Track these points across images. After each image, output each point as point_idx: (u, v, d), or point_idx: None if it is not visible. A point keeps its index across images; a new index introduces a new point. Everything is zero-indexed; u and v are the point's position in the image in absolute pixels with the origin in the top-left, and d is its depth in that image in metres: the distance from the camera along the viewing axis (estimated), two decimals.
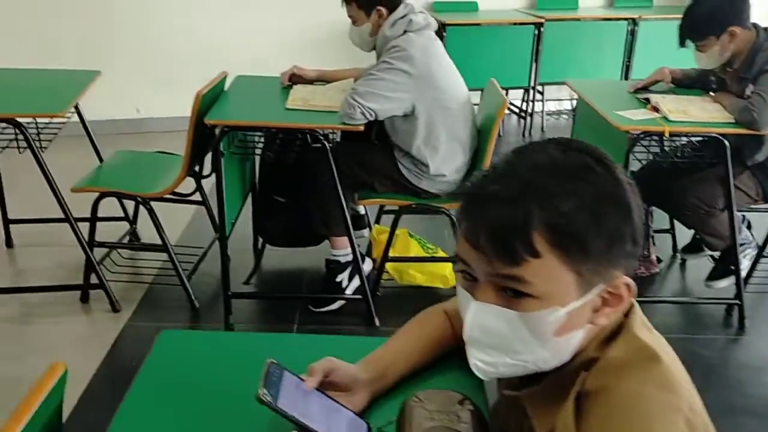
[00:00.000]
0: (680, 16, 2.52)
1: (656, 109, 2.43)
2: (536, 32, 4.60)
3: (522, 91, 5.11)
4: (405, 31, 2.36)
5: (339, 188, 2.44)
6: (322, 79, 2.72)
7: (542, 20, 4.59)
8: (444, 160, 2.44)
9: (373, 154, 2.53)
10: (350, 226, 2.47)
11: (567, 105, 5.47)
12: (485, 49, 4.55)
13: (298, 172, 2.67)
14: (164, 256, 2.65)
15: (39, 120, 2.40)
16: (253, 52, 4.67)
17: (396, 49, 2.30)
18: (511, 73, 4.64)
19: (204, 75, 2.44)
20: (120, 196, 2.55)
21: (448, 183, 2.49)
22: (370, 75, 2.31)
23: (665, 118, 2.36)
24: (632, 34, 4.79)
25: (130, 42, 4.55)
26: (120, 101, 4.59)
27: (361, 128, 2.30)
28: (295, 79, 2.70)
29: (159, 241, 2.57)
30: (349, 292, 2.66)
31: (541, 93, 5.02)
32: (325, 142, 2.29)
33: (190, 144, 2.41)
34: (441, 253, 2.80)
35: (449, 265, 2.74)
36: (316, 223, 2.62)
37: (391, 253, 2.75)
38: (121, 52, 4.53)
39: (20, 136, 2.29)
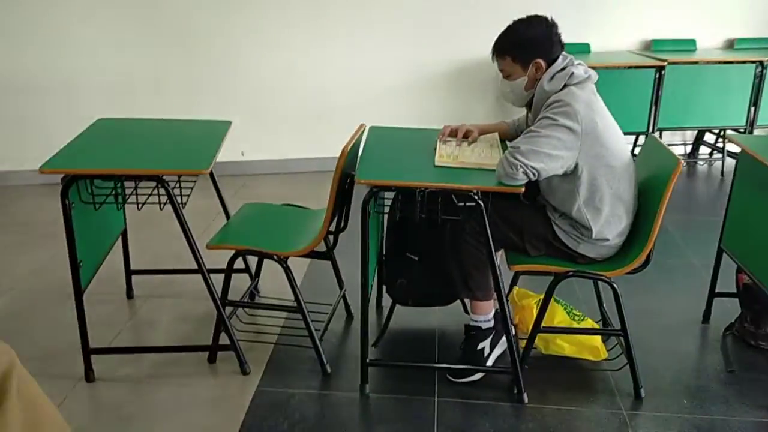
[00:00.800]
0: None
1: None
2: (657, 75, 4.37)
3: (634, 136, 4.89)
4: (565, 85, 2.19)
5: (486, 250, 2.27)
6: (483, 133, 2.56)
7: (664, 63, 4.35)
8: (607, 223, 2.22)
9: (523, 215, 2.34)
10: (501, 290, 2.27)
11: (680, 150, 5.20)
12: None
13: (434, 231, 2.51)
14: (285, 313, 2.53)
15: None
16: (349, 96, 4.64)
17: (559, 104, 2.12)
18: (628, 118, 4.40)
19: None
20: (258, 255, 2.43)
21: (609, 248, 2.28)
22: (531, 132, 2.13)
23: None
24: (760, 77, 4.49)
25: (232, 85, 4.55)
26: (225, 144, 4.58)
27: (522, 189, 2.12)
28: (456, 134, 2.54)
29: (280, 297, 2.44)
30: (490, 362, 2.46)
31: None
32: (481, 202, 2.12)
33: (333, 201, 2.28)
34: (589, 322, 2.56)
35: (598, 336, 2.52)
36: (457, 286, 2.45)
37: (526, 317, 2.57)
38: (224, 95, 4.54)
39: (161, 191, 2.22)
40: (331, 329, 2.76)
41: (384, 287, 2.81)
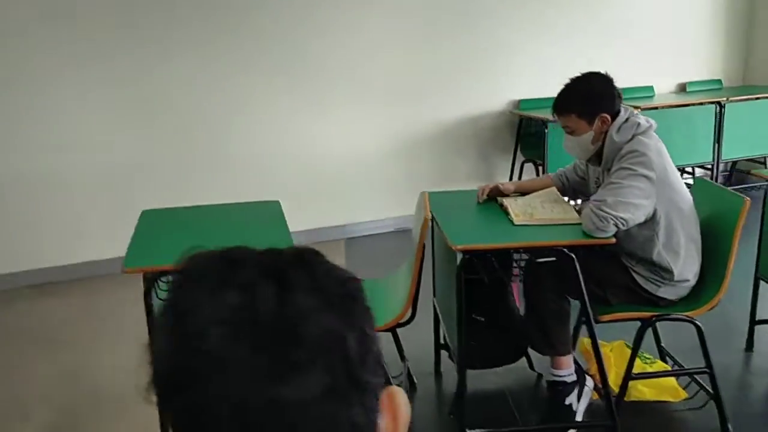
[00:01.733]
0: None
1: None
2: None
3: None
4: (633, 135, 2.29)
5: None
6: (519, 191, 2.62)
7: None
8: (685, 264, 2.31)
9: (598, 264, 2.39)
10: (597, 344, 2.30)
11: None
12: None
13: (497, 290, 2.54)
14: None
15: None
16: (337, 165, 4.65)
17: (634, 155, 2.22)
18: None
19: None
20: None
21: (687, 288, 2.36)
22: (612, 184, 2.21)
23: None
24: (719, 117, 4.84)
25: (223, 163, 4.47)
26: None
27: (614, 240, 2.18)
28: (492, 193, 2.60)
29: None
30: (579, 417, 2.45)
31: None
32: (573, 255, 2.16)
33: (418, 269, 2.26)
34: (660, 364, 2.62)
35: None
36: (538, 344, 2.46)
37: (609, 368, 2.60)
38: (213, 174, 4.44)
39: None
40: None
41: (447, 352, 2.78)
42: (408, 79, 4.67)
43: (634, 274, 2.35)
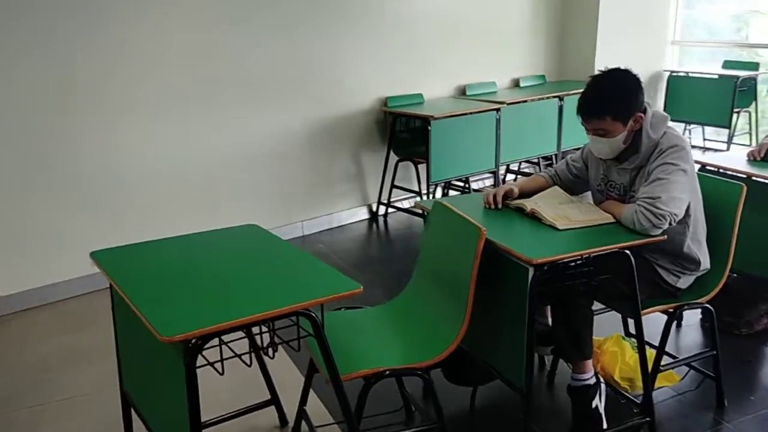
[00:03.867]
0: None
1: None
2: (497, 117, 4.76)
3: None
4: (665, 130, 2.28)
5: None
6: (523, 192, 2.48)
7: (501, 105, 4.77)
8: (705, 253, 2.37)
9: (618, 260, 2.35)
10: None
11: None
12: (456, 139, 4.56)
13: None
14: None
15: None
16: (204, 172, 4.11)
17: (675, 149, 2.20)
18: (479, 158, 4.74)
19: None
20: (395, 374, 1.98)
21: (698, 276, 2.43)
22: (661, 180, 2.16)
23: None
24: (560, 109, 5.22)
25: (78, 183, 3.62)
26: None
27: (665, 237, 2.14)
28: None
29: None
30: (604, 418, 2.39)
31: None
32: (630, 254, 2.08)
33: (474, 290, 1.99)
34: (652, 352, 2.67)
35: None
36: (566, 350, 2.35)
37: (607, 362, 2.60)
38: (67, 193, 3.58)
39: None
40: None
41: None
42: (275, 77, 4.24)
43: (659, 269, 2.35)
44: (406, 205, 5.04)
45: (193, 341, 1.52)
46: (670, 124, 2.33)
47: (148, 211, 3.85)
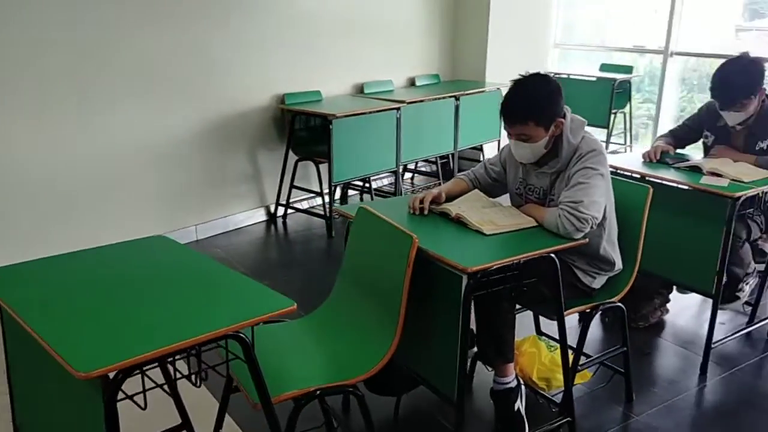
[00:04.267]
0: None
1: (717, 175, 2.83)
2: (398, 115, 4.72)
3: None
4: (583, 134, 2.31)
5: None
6: (448, 197, 2.44)
7: (402, 104, 4.74)
8: (618, 254, 2.44)
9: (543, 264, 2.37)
10: None
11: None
12: (365, 135, 4.48)
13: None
14: None
15: None
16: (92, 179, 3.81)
17: (593, 154, 2.24)
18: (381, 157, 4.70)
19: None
20: (327, 392, 1.86)
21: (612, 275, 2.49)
22: (582, 184, 2.19)
23: (739, 180, 2.76)
24: (456, 109, 5.28)
25: None
26: None
27: (587, 240, 2.17)
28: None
29: None
30: (525, 420, 2.42)
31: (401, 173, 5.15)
32: (555, 258, 2.10)
33: (406, 300, 1.92)
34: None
35: None
36: (490, 355, 2.35)
37: (525, 363, 2.64)
38: None
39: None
40: None
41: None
42: (164, 73, 3.97)
43: (577, 271, 2.39)
44: (305, 205, 4.91)
45: (113, 375, 1.34)
46: (587, 128, 2.38)
47: (20, 223, 3.48)
